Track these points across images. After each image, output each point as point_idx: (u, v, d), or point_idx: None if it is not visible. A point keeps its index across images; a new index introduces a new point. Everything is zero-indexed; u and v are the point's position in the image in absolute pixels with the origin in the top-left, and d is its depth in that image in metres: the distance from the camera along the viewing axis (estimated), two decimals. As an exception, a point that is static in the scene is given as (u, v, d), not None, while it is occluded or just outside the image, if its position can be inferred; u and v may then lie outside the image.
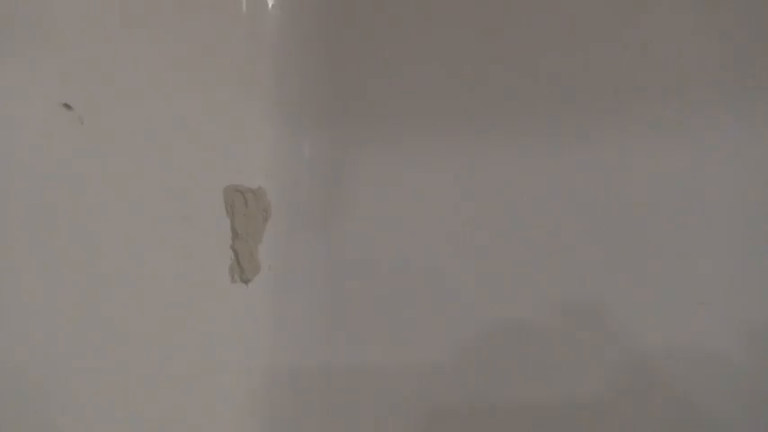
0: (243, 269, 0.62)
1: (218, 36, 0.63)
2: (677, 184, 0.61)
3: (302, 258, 0.68)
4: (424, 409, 0.65)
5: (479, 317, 0.64)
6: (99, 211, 0.49)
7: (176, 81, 0.57)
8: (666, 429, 0.59)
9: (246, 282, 0.63)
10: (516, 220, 0.64)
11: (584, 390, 0.61)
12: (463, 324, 0.64)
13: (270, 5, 0.67)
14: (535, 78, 0.65)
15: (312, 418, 0.67)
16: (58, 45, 0.45)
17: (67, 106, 0.44)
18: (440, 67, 0.67)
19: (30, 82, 0.43)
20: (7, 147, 0.42)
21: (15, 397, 0.43)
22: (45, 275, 0.45)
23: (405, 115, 0.68)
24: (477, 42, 0.67)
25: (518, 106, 0.66)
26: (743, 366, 0.57)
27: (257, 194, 0.64)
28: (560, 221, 0.63)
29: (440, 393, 0.65)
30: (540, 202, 0.64)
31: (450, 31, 0.67)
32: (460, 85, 0.67)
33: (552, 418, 0.61)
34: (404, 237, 0.67)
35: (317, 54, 0.71)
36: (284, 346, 0.66)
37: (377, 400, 0.66)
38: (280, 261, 0.66)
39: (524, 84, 0.65)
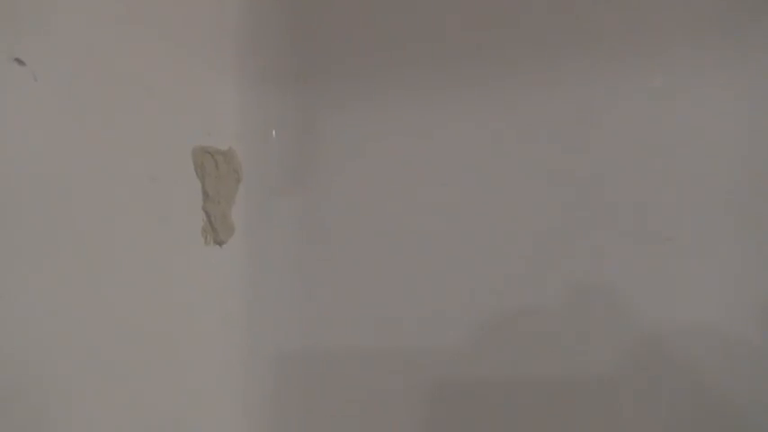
0: (216, 231, 0.62)
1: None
2: (672, 138, 0.59)
3: (276, 219, 0.68)
4: (413, 372, 0.65)
5: (457, 277, 0.64)
6: (63, 176, 0.48)
7: (142, 41, 0.56)
8: (677, 404, 0.58)
9: (221, 244, 0.63)
10: (496, 176, 0.64)
11: (590, 367, 0.60)
12: (446, 289, 0.64)
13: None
14: (512, 26, 0.63)
15: (293, 380, 0.67)
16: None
17: (20, 61, 0.43)
18: (404, 21, 0.66)
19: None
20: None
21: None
22: (8, 242, 0.44)
23: (373, 73, 0.68)
24: None
25: (494, 56, 0.64)
26: (755, 342, 0.57)
27: (227, 156, 0.64)
28: (550, 178, 0.62)
29: (433, 365, 0.64)
30: (525, 159, 0.63)
31: None
32: (427, 38, 0.66)
33: (556, 397, 0.61)
34: (376, 196, 0.67)
35: (283, 13, 0.69)
36: (262, 306, 0.66)
37: (356, 359, 0.66)
38: (253, 223, 0.66)
39: (500, 32, 0.64)
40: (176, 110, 0.60)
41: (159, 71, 0.57)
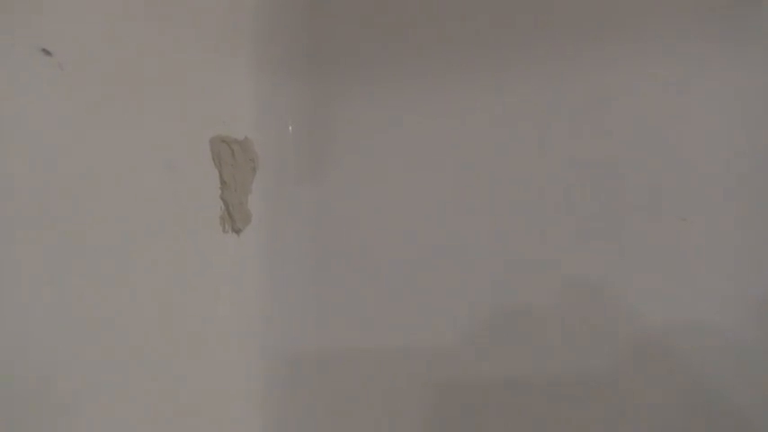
0: (234, 219, 0.63)
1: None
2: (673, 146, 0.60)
3: (292, 208, 0.69)
4: (424, 370, 0.66)
5: (471, 265, 0.65)
6: (84, 165, 0.49)
7: (160, 32, 0.56)
8: (671, 401, 0.59)
9: (238, 232, 0.64)
10: (512, 164, 0.64)
11: (587, 363, 0.61)
12: (456, 269, 0.65)
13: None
14: (526, 13, 0.64)
15: (308, 367, 0.68)
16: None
17: (46, 52, 0.44)
18: (419, 8, 0.67)
19: (8, 29, 0.43)
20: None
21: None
22: (29, 231, 0.45)
23: (389, 61, 0.68)
24: None
25: (507, 43, 0.64)
26: (747, 337, 0.57)
27: (244, 145, 0.64)
28: (559, 163, 0.63)
29: (440, 363, 0.65)
30: (538, 144, 0.63)
31: None
32: (442, 25, 0.66)
33: (557, 394, 0.62)
34: (391, 184, 0.67)
35: (298, 3, 0.70)
36: (278, 296, 0.67)
37: (371, 348, 0.67)
38: (270, 211, 0.67)
39: (512, 19, 0.64)
40: (193, 100, 0.60)
41: (176, 62, 0.58)
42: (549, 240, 0.62)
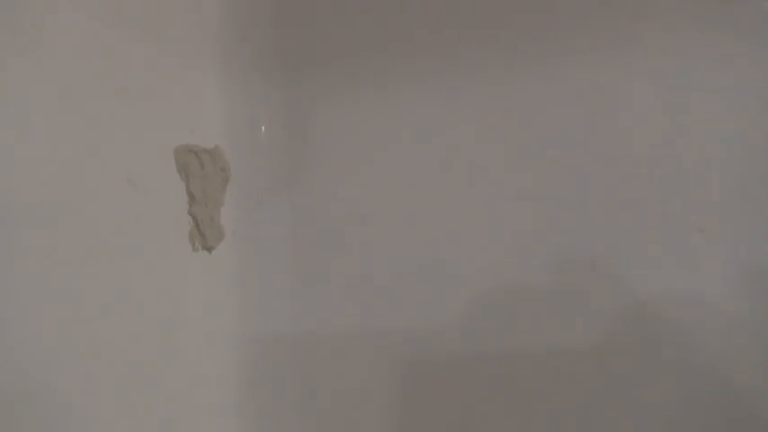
0: (204, 236, 0.58)
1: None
2: (668, 113, 0.57)
3: (267, 221, 0.64)
4: (403, 368, 0.62)
5: (458, 270, 0.61)
6: (40, 183, 0.44)
7: (118, 38, 0.52)
8: (667, 376, 0.56)
9: (209, 249, 0.59)
10: (493, 162, 0.60)
11: (582, 338, 0.58)
12: (440, 280, 0.61)
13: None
14: (513, 14, 0.60)
15: (288, 385, 0.64)
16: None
17: None
18: (397, 8, 0.62)
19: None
20: None
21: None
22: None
23: (365, 64, 0.63)
24: None
25: (496, 36, 0.60)
26: (742, 309, 0.55)
27: (214, 154, 0.59)
28: (547, 158, 0.59)
29: (420, 351, 0.61)
30: (525, 144, 0.59)
31: None
32: (422, 25, 0.62)
33: (552, 369, 0.59)
34: (370, 191, 0.63)
35: (264, 4, 0.65)
36: (254, 316, 0.62)
37: (352, 364, 0.63)
38: (244, 226, 0.61)
39: (502, 20, 0.60)
40: (157, 107, 0.55)
41: (134, 66, 0.53)
42: (542, 220, 0.59)
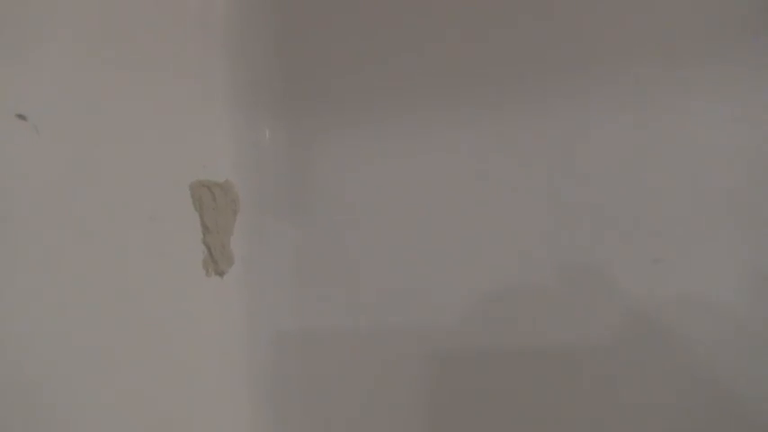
0: (216, 262, 0.63)
1: (170, 33, 0.62)
2: (666, 140, 0.60)
3: (274, 247, 0.69)
4: (405, 393, 0.66)
5: (454, 295, 0.65)
6: (64, 221, 0.49)
7: (131, 83, 0.57)
8: (667, 377, 0.59)
9: (221, 274, 0.64)
10: (492, 197, 0.64)
11: (583, 340, 0.61)
12: (441, 303, 0.65)
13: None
14: (508, 44, 0.64)
15: (293, 405, 0.68)
16: (10, 53, 0.45)
17: (21, 117, 0.44)
18: (399, 46, 0.67)
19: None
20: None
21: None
22: (11, 284, 0.45)
23: (367, 96, 0.68)
24: (434, 17, 0.66)
25: (491, 75, 0.64)
26: (743, 312, 0.57)
27: (225, 188, 0.65)
28: (545, 186, 0.63)
29: (429, 363, 0.65)
30: (524, 179, 0.63)
31: (411, 6, 0.67)
32: (419, 61, 0.66)
33: (552, 371, 0.62)
34: (374, 220, 0.67)
35: (270, 41, 0.71)
36: (263, 335, 0.68)
37: (356, 385, 0.67)
38: (252, 251, 0.67)
39: (498, 49, 0.64)
40: (173, 147, 0.61)
41: (153, 111, 0.59)
42: (539, 236, 0.63)
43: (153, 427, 0.56)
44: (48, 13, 0.49)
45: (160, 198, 0.58)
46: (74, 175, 0.50)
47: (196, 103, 0.64)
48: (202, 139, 0.65)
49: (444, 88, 0.66)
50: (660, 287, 0.59)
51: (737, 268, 0.57)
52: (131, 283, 0.55)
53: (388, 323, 0.67)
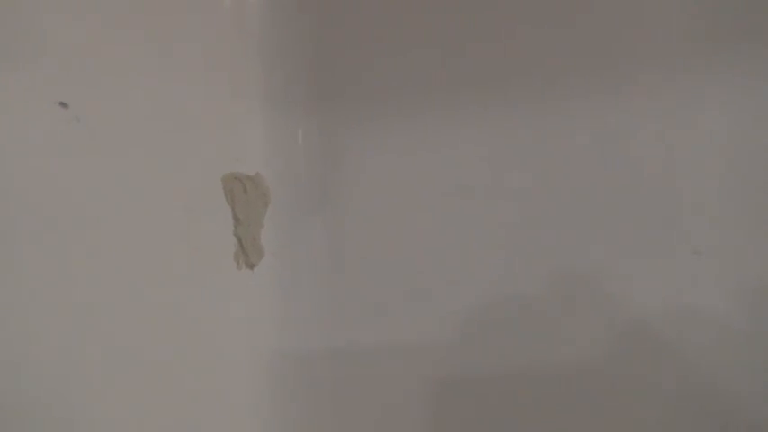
0: (247, 255, 0.64)
1: (205, 29, 0.64)
2: (666, 145, 0.61)
3: (304, 241, 0.70)
4: (430, 383, 0.66)
5: (480, 291, 0.65)
6: (104, 211, 0.51)
7: (168, 77, 0.58)
8: (664, 390, 0.59)
9: (252, 267, 0.65)
10: (513, 192, 0.65)
11: (584, 354, 0.62)
12: (466, 298, 0.66)
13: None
14: (519, 50, 0.65)
15: (321, 399, 0.69)
16: (54, 49, 0.47)
17: (63, 105, 0.45)
18: (426, 45, 0.68)
19: (27, 85, 0.44)
20: (9, 148, 0.44)
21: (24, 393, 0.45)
22: (53, 272, 0.46)
23: (394, 95, 0.69)
24: (459, 19, 0.67)
25: (507, 80, 0.66)
26: (739, 323, 0.58)
27: (255, 181, 0.66)
28: (554, 189, 0.64)
29: (444, 367, 0.66)
30: (534, 171, 0.64)
31: (439, 10, 0.68)
32: (451, 65, 0.67)
33: (554, 383, 0.62)
34: (401, 215, 0.68)
35: (302, 37, 0.71)
36: (292, 328, 0.68)
37: (384, 378, 0.67)
38: (282, 245, 0.67)
39: (510, 55, 0.65)
40: (207, 140, 0.62)
41: (189, 104, 0.60)
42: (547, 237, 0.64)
43: (183, 420, 0.56)
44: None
45: (195, 190, 0.59)
46: (111, 166, 0.51)
47: (230, 98, 0.65)
48: (235, 133, 0.66)
49: (472, 90, 0.67)
50: (660, 299, 0.60)
51: (738, 278, 0.58)
52: (164, 274, 0.56)
53: (414, 314, 0.67)
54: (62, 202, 0.47)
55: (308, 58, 0.71)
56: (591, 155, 0.63)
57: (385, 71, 0.69)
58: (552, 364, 0.63)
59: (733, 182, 0.59)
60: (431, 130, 0.68)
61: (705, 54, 0.60)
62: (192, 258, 0.59)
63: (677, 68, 0.61)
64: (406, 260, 0.68)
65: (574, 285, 0.63)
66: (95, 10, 0.51)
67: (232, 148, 0.65)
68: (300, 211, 0.70)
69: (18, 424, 0.44)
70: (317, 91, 0.71)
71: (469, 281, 0.66)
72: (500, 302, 0.65)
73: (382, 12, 0.70)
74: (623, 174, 0.62)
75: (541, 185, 0.64)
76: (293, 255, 0.69)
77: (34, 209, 0.45)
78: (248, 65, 0.68)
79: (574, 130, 0.63)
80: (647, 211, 0.61)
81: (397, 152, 0.69)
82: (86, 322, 0.49)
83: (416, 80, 0.68)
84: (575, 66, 0.64)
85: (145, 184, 0.54)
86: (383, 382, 0.68)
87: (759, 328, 0.57)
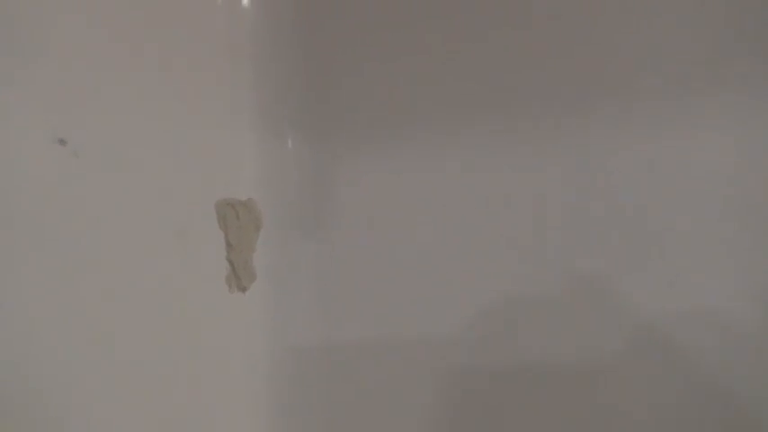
0: (239, 278, 0.65)
1: (197, 54, 0.65)
2: (674, 170, 0.61)
3: (295, 263, 0.71)
4: (429, 387, 0.67)
5: (473, 308, 0.66)
6: (98, 237, 0.52)
7: (161, 104, 0.59)
8: (674, 392, 0.60)
9: (244, 290, 0.66)
10: (511, 213, 0.66)
11: (591, 356, 0.62)
12: (459, 316, 0.66)
13: (244, 4, 0.70)
14: (526, 73, 0.65)
15: (316, 417, 0.70)
16: (47, 77, 0.48)
17: (62, 142, 0.46)
18: (423, 65, 0.68)
19: (27, 121, 0.45)
20: (8, 182, 0.45)
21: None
22: (48, 297, 0.48)
23: (388, 116, 0.70)
24: (459, 39, 0.67)
25: (510, 102, 0.66)
26: (750, 328, 0.58)
27: (248, 206, 0.67)
28: (554, 201, 0.64)
29: (443, 367, 0.67)
30: (537, 197, 0.65)
31: (433, 26, 0.68)
32: (444, 84, 0.68)
33: (557, 384, 0.63)
34: (394, 237, 0.69)
35: (295, 60, 0.72)
36: (284, 350, 0.69)
37: (375, 399, 0.68)
38: (274, 266, 0.69)
39: (516, 78, 0.66)
40: (199, 164, 0.63)
41: (178, 130, 0.61)
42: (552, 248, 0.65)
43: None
44: (77, 35, 0.51)
45: (187, 215, 0.60)
46: (103, 192, 0.52)
47: (222, 122, 0.66)
48: (227, 156, 0.67)
49: (467, 114, 0.67)
50: (670, 302, 0.60)
51: (747, 280, 0.58)
52: (158, 298, 0.57)
53: (407, 335, 0.68)
54: (57, 224, 0.48)
55: (299, 80, 0.72)
56: (584, 177, 0.63)
57: (379, 91, 0.70)
58: (554, 365, 0.63)
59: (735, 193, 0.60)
60: (425, 151, 0.69)
61: (705, 77, 0.61)
62: (184, 281, 0.60)
63: (678, 89, 0.61)
64: (398, 282, 0.68)
65: (578, 288, 0.63)
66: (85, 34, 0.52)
67: (225, 172, 0.66)
68: (293, 232, 0.71)
69: (18, 424, 0.45)
70: (309, 112, 0.72)
71: (463, 298, 0.66)
72: (501, 309, 0.66)
73: (380, 25, 0.70)
74: (626, 182, 0.62)
75: (540, 201, 0.65)
76: (285, 277, 0.70)
77: (33, 235, 0.46)
78: (240, 87, 0.69)
79: (571, 150, 0.64)
80: (651, 217, 0.61)
81: (390, 173, 0.70)
82: (82, 345, 0.50)
83: (411, 102, 0.69)
84: (574, 80, 0.64)
85: (140, 213, 0.56)
86: (374, 403, 0.68)
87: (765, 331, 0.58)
